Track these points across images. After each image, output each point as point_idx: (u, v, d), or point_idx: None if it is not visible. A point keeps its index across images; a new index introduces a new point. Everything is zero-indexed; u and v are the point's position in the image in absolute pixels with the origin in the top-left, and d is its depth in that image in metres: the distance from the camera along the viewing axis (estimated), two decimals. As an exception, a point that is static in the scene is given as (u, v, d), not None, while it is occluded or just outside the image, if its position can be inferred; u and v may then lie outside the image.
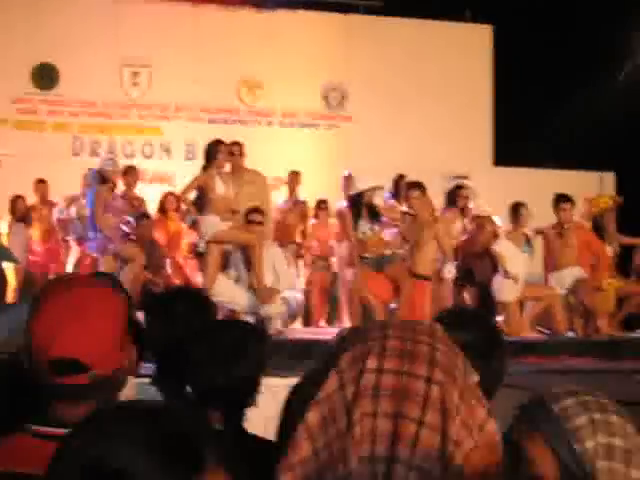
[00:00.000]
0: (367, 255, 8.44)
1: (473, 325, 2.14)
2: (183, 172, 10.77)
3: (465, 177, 10.97)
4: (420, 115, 12.98)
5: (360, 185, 8.60)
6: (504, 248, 8.76)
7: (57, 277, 3.97)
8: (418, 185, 8.85)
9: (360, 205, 8.46)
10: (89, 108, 12.45)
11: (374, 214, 8.49)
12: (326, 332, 9.39)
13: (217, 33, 12.60)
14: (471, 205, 9.40)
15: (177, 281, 9.65)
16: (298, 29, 12.94)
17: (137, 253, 8.91)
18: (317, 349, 6.84)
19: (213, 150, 8.08)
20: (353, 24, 13.20)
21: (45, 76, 12.30)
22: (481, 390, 1.15)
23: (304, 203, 10.78)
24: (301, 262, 10.41)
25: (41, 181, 10.72)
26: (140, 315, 2.44)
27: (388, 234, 8.81)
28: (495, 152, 13.45)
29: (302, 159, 11.98)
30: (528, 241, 8.94)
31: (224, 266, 8.21)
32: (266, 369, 2.38)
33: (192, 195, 8.26)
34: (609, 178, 13.24)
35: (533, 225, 9.18)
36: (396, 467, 1.09)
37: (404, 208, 8.99)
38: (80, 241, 9.92)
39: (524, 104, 11.91)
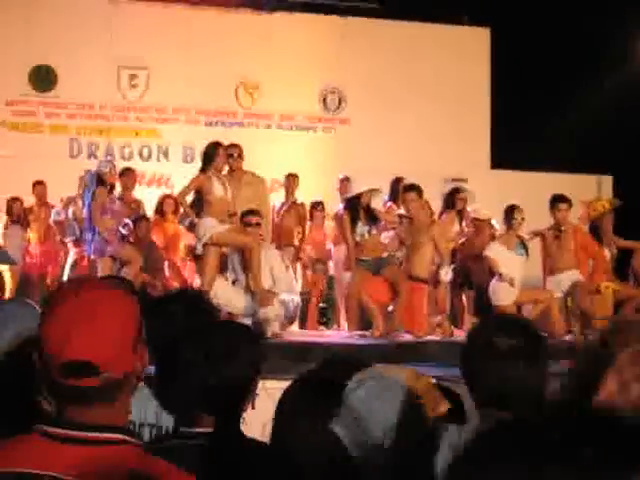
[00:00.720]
0: (364, 258, 8.42)
1: (519, 330, 2.33)
2: (181, 174, 10.74)
3: (463, 180, 10.96)
4: (418, 118, 12.96)
5: (357, 188, 8.57)
6: (496, 252, 8.72)
7: (69, 280, 3.96)
8: (415, 188, 8.86)
9: (357, 208, 8.43)
10: (86, 110, 12.44)
11: (371, 217, 8.46)
12: (323, 335, 9.40)
13: (215, 35, 12.59)
14: (469, 208, 9.39)
15: (175, 283, 9.64)
16: (295, 32, 12.93)
17: (135, 255, 8.89)
18: (314, 351, 6.84)
19: (211, 152, 8.05)
20: (351, 27, 13.17)
21: (43, 78, 12.28)
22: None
23: (302, 206, 10.76)
24: (299, 265, 10.41)
25: (39, 183, 10.71)
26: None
27: (385, 237, 8.80)
28: (492, 155, 13.43)
29: (300, 162, 11.95)
30: (522, 244, 8.90)
31: (222, 268, 8.20)
32: (263, 372, 2.37)
33: (190, 197, 8.24)
34: (607, 181, 13.24)
35: (530, 228, 9.17)
36: None
37: (401, 211, 9.00)
38: (77, 243, 9.92)
39: (522, 107, 11.90)
